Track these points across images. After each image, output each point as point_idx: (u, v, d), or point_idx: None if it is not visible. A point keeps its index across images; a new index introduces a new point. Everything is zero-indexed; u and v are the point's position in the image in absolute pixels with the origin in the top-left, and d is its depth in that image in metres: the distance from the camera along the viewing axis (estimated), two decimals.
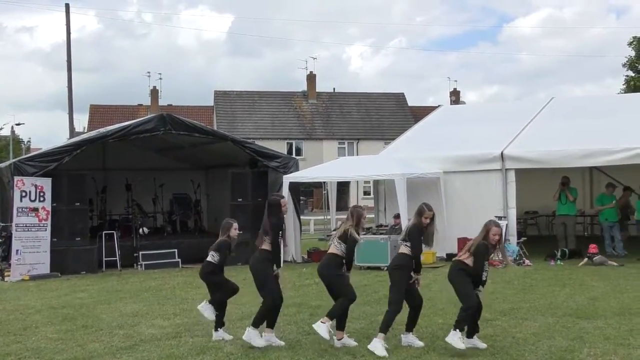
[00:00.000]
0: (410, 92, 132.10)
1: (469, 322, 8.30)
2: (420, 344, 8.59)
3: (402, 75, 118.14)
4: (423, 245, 8.73)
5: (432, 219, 8.68)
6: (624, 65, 42.69)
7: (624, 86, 42.80)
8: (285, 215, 9.20)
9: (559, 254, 17.08)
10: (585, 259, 16.22)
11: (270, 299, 8.79)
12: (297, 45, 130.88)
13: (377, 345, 8.29)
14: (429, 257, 16.63)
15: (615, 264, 15.91)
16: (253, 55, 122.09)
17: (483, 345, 8.38)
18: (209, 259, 9.27)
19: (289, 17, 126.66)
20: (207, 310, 9.19)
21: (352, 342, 8.74)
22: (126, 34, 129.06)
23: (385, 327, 8.43)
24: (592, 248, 16.38)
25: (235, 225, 9.40)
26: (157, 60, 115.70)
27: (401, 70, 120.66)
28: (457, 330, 8.15)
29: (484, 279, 8.37)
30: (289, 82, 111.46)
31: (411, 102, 64.24)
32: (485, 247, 8.31)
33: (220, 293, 9.27)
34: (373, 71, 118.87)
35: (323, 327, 8.46)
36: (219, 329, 9.31)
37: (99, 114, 62.16)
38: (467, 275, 8.33)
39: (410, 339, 8.67)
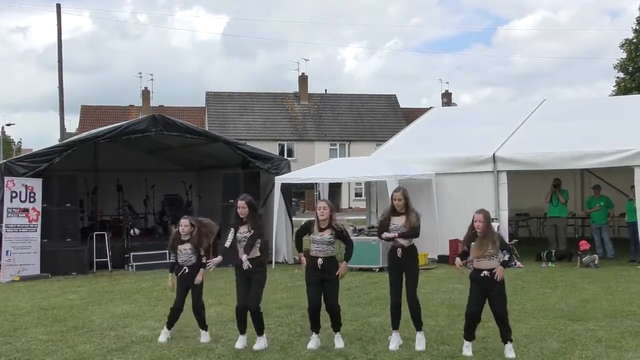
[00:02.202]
0: (405, 94, 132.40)
1: (471, 328, 8.31)
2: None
3: (396, 77, 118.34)
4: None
5: (406, 201, 8.77)
6: (615, 67, 42.86)
7: (615, 88, 42.93)
8: (243, 216, 8.96)
9: (544, 254, 17.20)
10: (578, 257, 16.27)
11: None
12: (291, 47, 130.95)
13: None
14: (421, 259, 16.61)
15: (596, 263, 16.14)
16: (247, 56, 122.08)
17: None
18: None
19: (283, 18, 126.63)
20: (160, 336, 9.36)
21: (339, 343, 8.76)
22: (120, 34, 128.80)
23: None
24: (583, 245, 16.45)
25: (183, 221, 9.44)
26: (150, 61, 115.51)
27: (395, 72, 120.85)
28: (464, 340, 8.32)
29: (503, 258, 8.21)
30: (282, 83, 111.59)
31: (405, 103, 64.43)
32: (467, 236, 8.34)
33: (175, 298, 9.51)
34: (367, 73, 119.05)
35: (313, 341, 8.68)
36: (201, 330, 9.43)
37: (90, 114, 62.00)
38: (474, 283, 8.26)
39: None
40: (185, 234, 9.37)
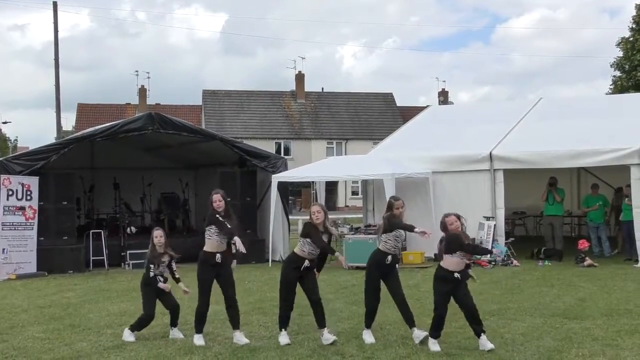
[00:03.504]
0: (402, 92, 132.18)
1: (442, 326, 8.52)
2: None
3: (395, 75, 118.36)
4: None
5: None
6: (611, 66, 42.89)
7: (612, 86, 42.96)
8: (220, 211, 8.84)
9: (534, 252, 17.31)
10: (585, 258, 16.23)
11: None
12: (290, 45, 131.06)
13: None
14: (417, 258, 16.68)
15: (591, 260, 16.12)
16: (245, 54, 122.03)
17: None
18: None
19: (282, 16, 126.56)
20: (127, 336, 9.33)
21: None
22: (119, 32, 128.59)
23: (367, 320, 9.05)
24: (581, 243, 16.47)
25: (157, 232, 9.37)
26: (148, 59, 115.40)
27: (393, 70, 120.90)
28: (431, 337, 8.49)
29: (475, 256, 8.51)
30: (280, 81, 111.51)
31: (403, 102, 64.53)
32: (449, 237, 8.39)
33: (146, 307, 9.37)
34: (365, 71, 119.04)
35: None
36: (172, 327, 9.48)
37: (86, 112, 61.98)
38: (444, 282, 8.39)
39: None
40: (160, 245, 9.33)
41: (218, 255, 8.84)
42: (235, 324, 8.98)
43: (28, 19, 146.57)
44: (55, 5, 33.71)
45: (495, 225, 17.08)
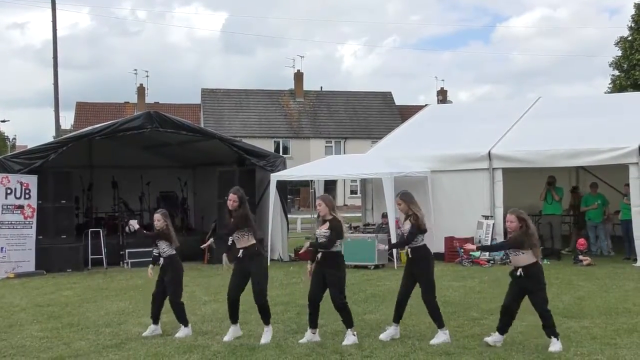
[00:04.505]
0: (402, 91, 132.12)
1: (500, 320, 8.61)
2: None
3: (394, 74, 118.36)
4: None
5: (407, 204, 8.97)
6: (610, 65, 42.90)
7: (611, 85, 42.98)
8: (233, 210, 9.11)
9: None
10: (585, 258, 16.24)
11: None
12: (290, 44, 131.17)
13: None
14: None
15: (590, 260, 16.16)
16: (245, 53, 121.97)
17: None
18: None
19: (283, 15, 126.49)
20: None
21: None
22: (119, 31, 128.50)
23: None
24: (580, 244, 16.47)
25: (155, 216, 9.61)
26: (148, 57, 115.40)
27: (393, 69, 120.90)
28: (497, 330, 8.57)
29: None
30: (280, 80, 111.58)
31: (402, 101, 64.48)
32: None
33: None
34: (365, 70, 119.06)
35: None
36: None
37: (85, 111, 61.93)
38: (511, 280, 8.52)
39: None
40: (158, 227, 9.51)
41: (240, 251, 8.99)
42: (264, 321, 9.05)
43: (28, 18, 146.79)
44: (53, 3, 33.69)
45: (493, 224, 17.08)
